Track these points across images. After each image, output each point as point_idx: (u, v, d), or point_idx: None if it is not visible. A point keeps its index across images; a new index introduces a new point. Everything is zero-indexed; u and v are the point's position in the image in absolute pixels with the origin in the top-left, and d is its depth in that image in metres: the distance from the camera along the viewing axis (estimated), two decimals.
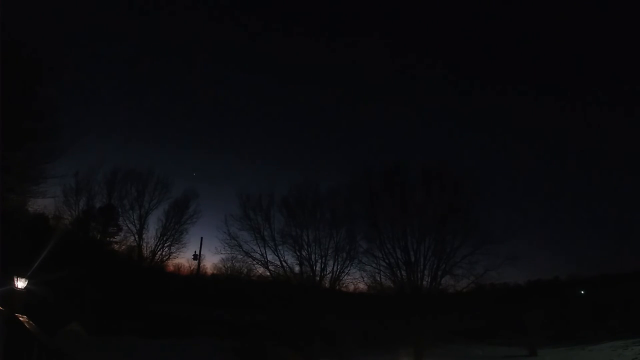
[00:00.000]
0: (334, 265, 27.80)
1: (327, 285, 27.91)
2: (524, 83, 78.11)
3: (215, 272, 36.44)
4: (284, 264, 27.90)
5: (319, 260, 27.72)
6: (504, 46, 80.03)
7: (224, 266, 34.13)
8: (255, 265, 28.94)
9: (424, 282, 24.27)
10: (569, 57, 74.97)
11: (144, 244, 30.53)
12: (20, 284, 10.62)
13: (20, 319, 7.09)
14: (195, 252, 30.94)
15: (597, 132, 71.77)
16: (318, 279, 27.60)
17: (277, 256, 27.83)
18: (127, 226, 30.48)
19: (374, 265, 25.98)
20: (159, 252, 30.98)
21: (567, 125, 70.76)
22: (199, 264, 31.75)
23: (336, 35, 79.24)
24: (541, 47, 76.27)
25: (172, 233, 31.12)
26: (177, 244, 31.33)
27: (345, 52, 79.96)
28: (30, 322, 7.11)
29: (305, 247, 27.69)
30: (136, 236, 30.38)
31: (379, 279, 26.38)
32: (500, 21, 75.32)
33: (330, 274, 27.79)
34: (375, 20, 75.55)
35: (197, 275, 32.45)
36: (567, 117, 70.99)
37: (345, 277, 28.11)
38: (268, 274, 28.53)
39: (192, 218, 31.67)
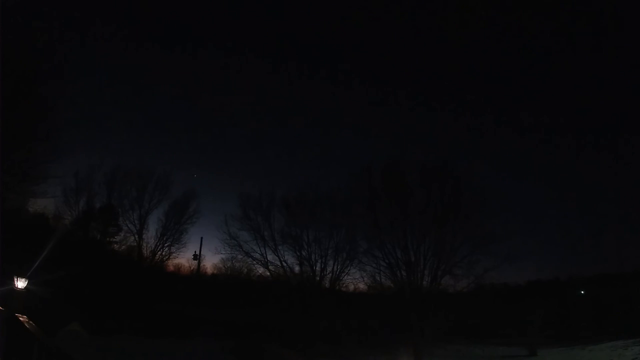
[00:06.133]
0: (334, 265, 27.86)
1: (327, 285, 27.95)
2: (525, 82, 78.15)
3: (215, 272, 36.51)
4: (284, 264, 27.95)
5: (319, 260, 27.78)
6: (504, 47, 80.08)
7: (224, 266, 34.22)
8: (255, 265, 29.04)
9: (424, 282, 24.24)
10: (568, 56, 74.99)
11: (144, 244, 30.57)
12: (20, 284, 10.60)
13: (20, 319, 7.08)
14: (195, 252, 30.90)
15: (597, 131, 71.80)
16: (318, 279, 27.64)
17: (277, 256, 27.91)
18: (127, 226, 30.52)
19: (374, 265, 25.97)
20: (159, 252, 31.02)
21: (567, 124, 70.82)
22: (199, 264, 31.72)
23: (335, 37, 79.29)
24: (541, 47, 76.32)
25: (172, 233, 31.16)
26: (177, 244, 31.37)
27: (344, 53, 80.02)
28: (30, 322, 7.11)
29: (305, 247, 27.75)
30: (136, 236, 30.41)
31: (379, 279, 26.37)
32: (499, 18, 75.37)
33: (330, 274, 27.84)
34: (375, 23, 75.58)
35: (197, 275, 32.42)
36: (566, 116, 71.04)
37: (345, 277, 28.19)
38: (268, 274, 28.59)
39: (192, 218, 31.71)
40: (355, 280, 28.20)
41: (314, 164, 67.06)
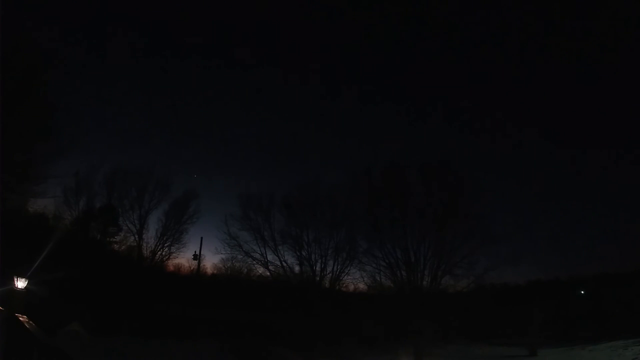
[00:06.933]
0: (334, 265, 27.88)
1: (327, 285, 27.95)
2: (525, 82, 78.17)
3: (215, 272, 36.47)
4: (284, 264, 27.97)
5: (319, 260, 27.81)
6: (504, 47, 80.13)
7: (224, 266, 34.19)
8: (255, 265, 29.05)
9: (424, 282, 24.28)
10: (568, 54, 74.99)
11: (144, 244, 30.54)
12: (20, 284, 10.61)
13: (20, 319, 7.10)
14: (195, 252, 30.86)
15: (597, 129, 71.84)
16: (318, 279, 27.66)
17: (277, 256, 27.94)
18: (127, 226, 30.49)
19: (374, 265, 26.02)
20: (159, 252, 30.99)
21: (567, 124, 70.81)
22: (199, 264, 31.69)
23: (336, 36, 79.34)
24: (540, 48, 76.34)
25: (172, 233, 31.12)
26: (177, 244, 31.34)
27: (344, 53, 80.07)
28: (30, 322, 7.12)
29: (305, 247, 27.77)
30: (136, 236, 30.38)
31: (379, 279, 26.42)
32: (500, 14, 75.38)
33: (330, 274, 27.86)
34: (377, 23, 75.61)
35: (197, 275, 32.41)
36: (566, 116, 71.03)
37: (345, 277, 28.21)
38: (268, 274, 28.60)
39: (192, 218, 31.67)
40: (355, 280, 28.25)
41: (314, 164, 67.01)
